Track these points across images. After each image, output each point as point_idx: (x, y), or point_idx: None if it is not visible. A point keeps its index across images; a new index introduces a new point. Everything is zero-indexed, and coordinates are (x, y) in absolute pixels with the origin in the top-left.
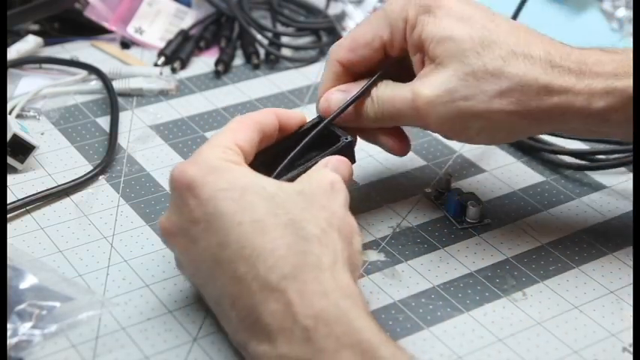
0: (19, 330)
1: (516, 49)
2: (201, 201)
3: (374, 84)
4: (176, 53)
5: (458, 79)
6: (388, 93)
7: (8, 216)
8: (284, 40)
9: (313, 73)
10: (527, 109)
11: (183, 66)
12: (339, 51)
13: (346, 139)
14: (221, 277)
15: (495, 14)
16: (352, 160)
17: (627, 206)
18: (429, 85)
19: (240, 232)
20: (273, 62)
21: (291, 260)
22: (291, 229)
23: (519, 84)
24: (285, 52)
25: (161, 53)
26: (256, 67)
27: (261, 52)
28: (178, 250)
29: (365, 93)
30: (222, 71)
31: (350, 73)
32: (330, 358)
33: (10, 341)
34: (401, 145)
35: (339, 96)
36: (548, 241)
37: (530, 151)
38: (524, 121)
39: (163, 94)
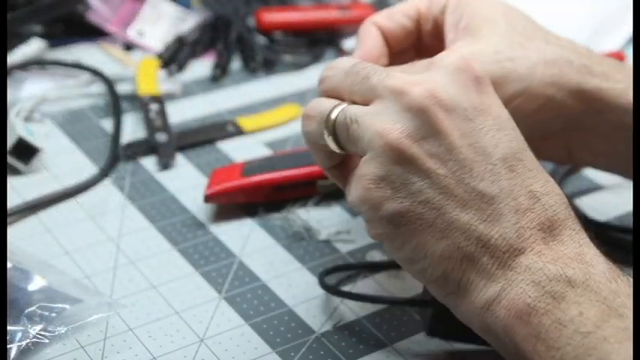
0: (28, 332)
1: (560, 35)
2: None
3: None
4: (174, 56)
5: (504, 41)
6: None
7: (15, 218)
8: (282, 43)
9: (312, 76)
10: (568, 83)
11: (180, 69)
12: (376, 16)
13: None
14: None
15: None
16: None
17: (627, 206)
18: (474, 44)
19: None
20: (271, 65)
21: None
22: None
23: (562, 57)
24: (284, 55)
25: (159, 57)
26: (254, 70)
27: (260, 55)
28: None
29: None
30: (220, 75)
31: (386, 41)
32: None
33: (20, 343)
34: None
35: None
36: None
37: None
38: (562, 100)
39: (167, 97)
